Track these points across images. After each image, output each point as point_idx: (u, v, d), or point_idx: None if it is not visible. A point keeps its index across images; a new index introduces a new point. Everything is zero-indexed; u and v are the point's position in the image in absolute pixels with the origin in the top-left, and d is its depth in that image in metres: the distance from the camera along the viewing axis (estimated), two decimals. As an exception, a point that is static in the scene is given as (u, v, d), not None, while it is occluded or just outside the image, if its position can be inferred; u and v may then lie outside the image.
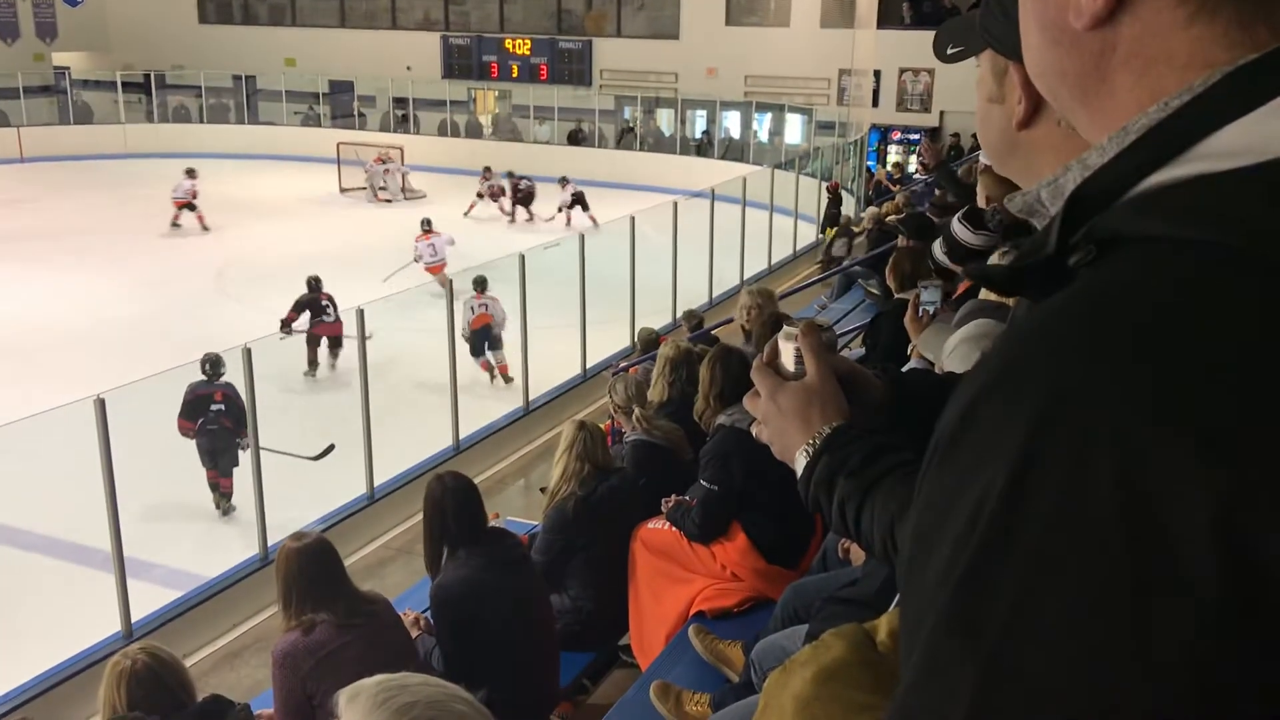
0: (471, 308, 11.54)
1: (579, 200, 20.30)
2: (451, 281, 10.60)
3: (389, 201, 22.60)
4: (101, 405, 6.37)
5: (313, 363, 11.89)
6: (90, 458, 6.45)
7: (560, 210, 20.46)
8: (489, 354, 11.77)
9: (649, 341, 9.27)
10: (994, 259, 3.59)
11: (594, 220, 18.94)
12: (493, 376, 11.72)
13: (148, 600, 6.85)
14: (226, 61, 30.02)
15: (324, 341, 11.94)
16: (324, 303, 12.14)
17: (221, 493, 8.82)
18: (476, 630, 3.85)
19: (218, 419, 8.71)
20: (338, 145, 24.11)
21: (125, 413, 6.57)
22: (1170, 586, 0.42)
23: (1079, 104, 0.61)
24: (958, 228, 5.58)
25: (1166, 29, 0.54)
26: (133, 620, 6.59)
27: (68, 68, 30.82)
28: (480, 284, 11.63)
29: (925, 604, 0.49)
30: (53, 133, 27.94)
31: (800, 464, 1.23)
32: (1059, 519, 0.45)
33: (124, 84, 29.65)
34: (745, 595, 4.18)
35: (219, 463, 8.79)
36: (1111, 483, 0.44)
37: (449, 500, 3.93)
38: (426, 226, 15.68)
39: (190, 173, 19.83)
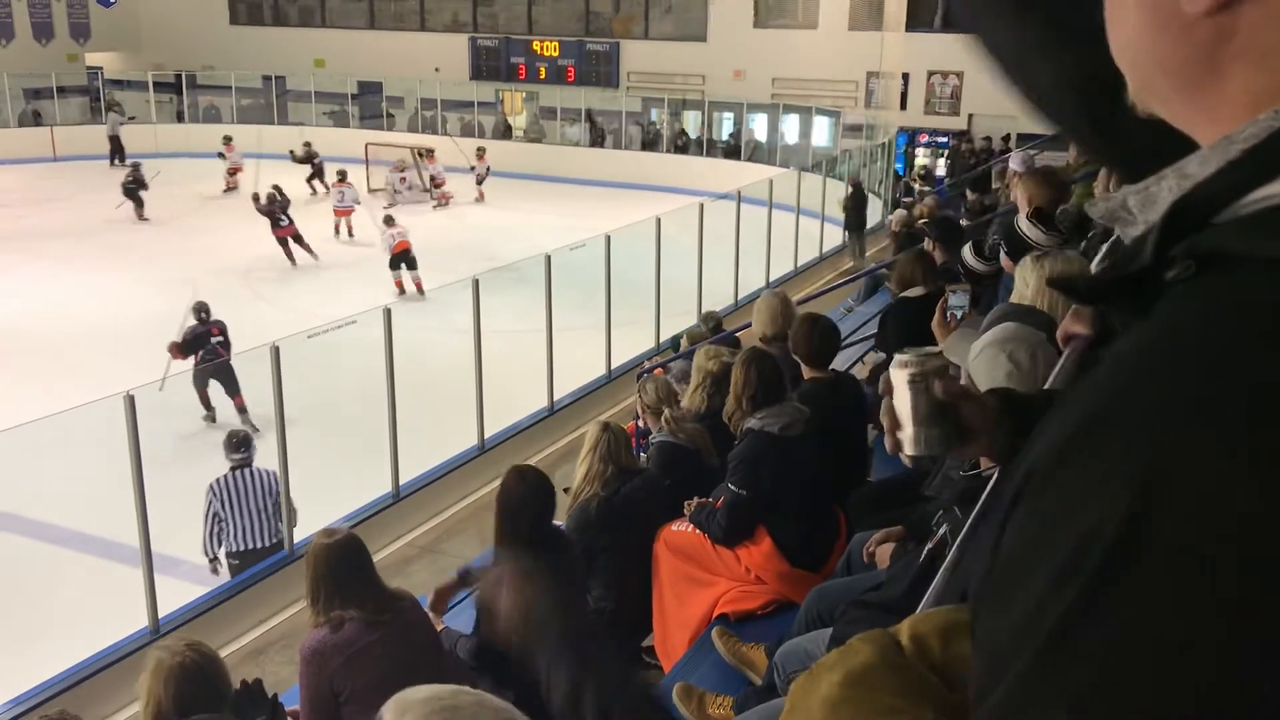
0: (392, 236, 15.13)
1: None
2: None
3: (391, 204, 22.59)
4: (131, 401, 6.42)
5: (207, 404, 10.55)
6: (119, 453, 6.51)
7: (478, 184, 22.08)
8: (407, 273, 14.94)
9: (716, 327, 9.33)
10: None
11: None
12: (403, 291, 14.92)
13: (175, 595, 6.90)
14: (257, 62, 30.23)
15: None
16: (214, 337, 10.70)
17: (241, 409, 10.08)
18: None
19: (215, 349, 10.31)
20: (366, 146, 24.21)
21: (155, 409, 6.63)
22: None
23: (1179, 96, 0.56)
24: (967, 255, 5.56)
25: None
26: (160, 615, 6.64)
27: (100, 68, 31.16)
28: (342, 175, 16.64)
29: (1010, 640, 0.47)
30: (84, 132, 28.22)
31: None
32: (1162, 586, 0.43)
33: (155, 84, 29.93)
34: (769, 598, 4.17)
35: (230, 385, 10.27)
36: (1215, 555, 0.42)
37: (521, 498, 3.96)
38: (340, 176, 19.28)
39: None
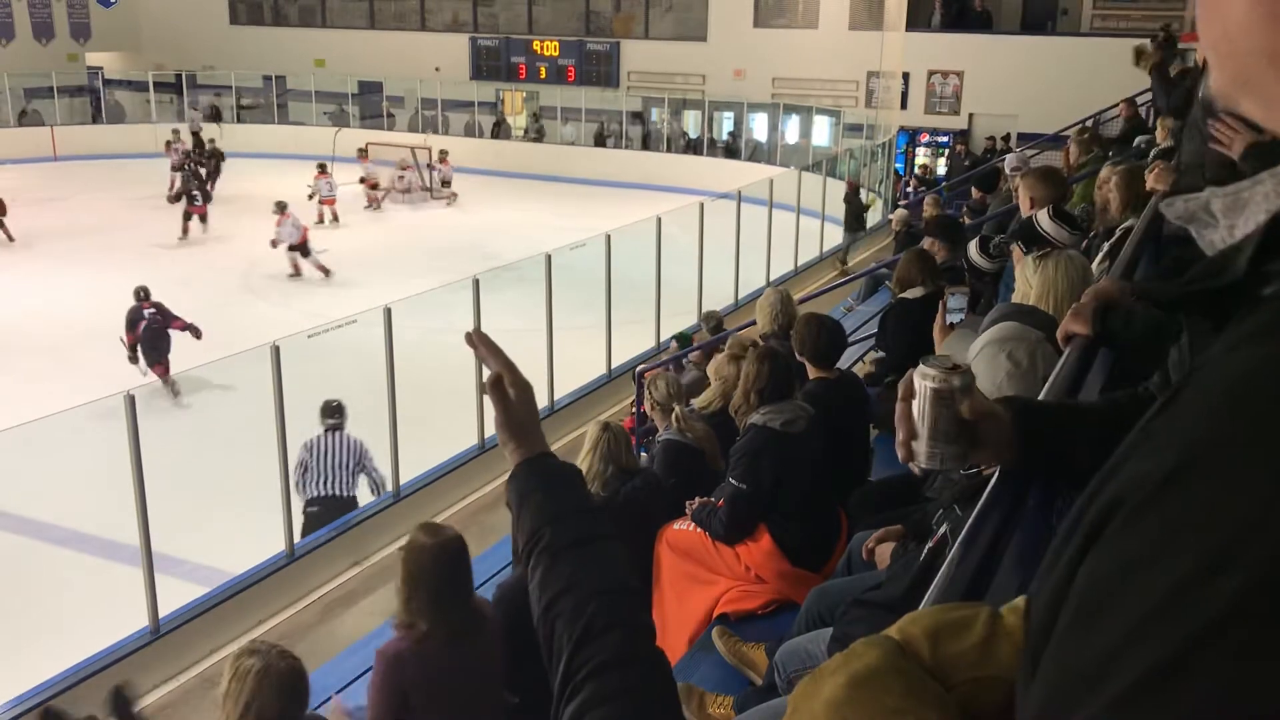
0: (294, 227, 16.25)
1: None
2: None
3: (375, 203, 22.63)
4: (131, 401, 6.42)
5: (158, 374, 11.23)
6: (120, 454, 6.50)
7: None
8: (303, 260, 16.18)
9: (716, 326, 9.33)
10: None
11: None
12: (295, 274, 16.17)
13: (175, 595, 6.89)
14: (257, 62, 30.23)
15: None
16: (148, 309, 11.84)
17: (164, 379, 10.97)
18: (532, 633, 3.85)
19: (153, 319, 11.77)
20: (366, 145, 24.21)
21: (154, 409, 6.62)
22: None
23: None
24: (973, 252, 5.56)
25: None
26: (160, 615, 6.63)
27: (100, 68, 31.15)
28: (282, 207, 16.34)
29: (1097, 667, 0.44)
30: (85, 132, 28.23)
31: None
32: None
33: (156, 84, 29.93)
34: (769, 598, 4.17)
35: (158, 354, 11.64)
36: None
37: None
38: (321, 168, 20.38)
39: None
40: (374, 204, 22.21)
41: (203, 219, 19.59)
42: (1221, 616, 0.40)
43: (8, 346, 13.00)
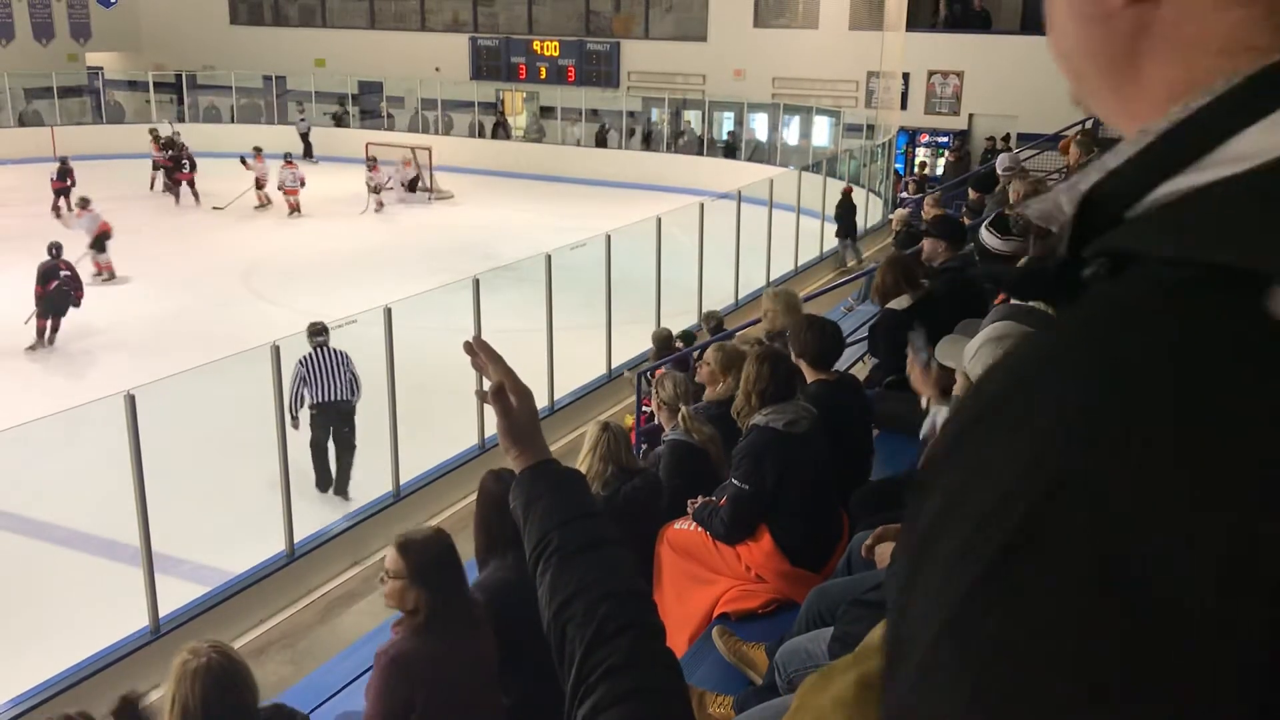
0: (93, 218, 16.28)
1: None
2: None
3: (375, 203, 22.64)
4: (131, 401, 6.42)
5: (41, 334, 13.11)
6: (120, 453, 6.51)
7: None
8: (99, 255, 16.13)
9: (663, 341, 9.30)
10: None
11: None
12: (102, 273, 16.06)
13: (175, 595, 6.90)
14: (257, 62, 30.23)
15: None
16: (63, 271, 13.37)
17: (47, 337, 13.08)
18: (518, 633, 3.86)
19: (66, 280, 13.11)
20: (366, 145, 24.23)
21: (155, 409, 6.63)
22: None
23: (1109, 91, 0.56)
24: (985, 235, 5.57)
25: (1203, 9, 0.49)
26: (160, 615, 6.63)
27: (100, 68, 31.16)
28: (84, 203, 16.62)
29: (916, 623, 0.46)
30: (85, 132, 28.23)
31: None
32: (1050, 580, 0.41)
33: (156, 84, 29.94)
34: (769, 597, 4.17)
35: (57, 313, 13.15)
36: (1097, 547, 0.41)
37: (503, 499, 3.93)
38: (287, 158, 21.36)
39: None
40: (378, 207, 22.19)
41: (191, 185, 22.10)
42: (989, 571, 0.43)
43: (8, 346, 12.99)
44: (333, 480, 9.08)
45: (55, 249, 13.66)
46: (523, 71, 28.90)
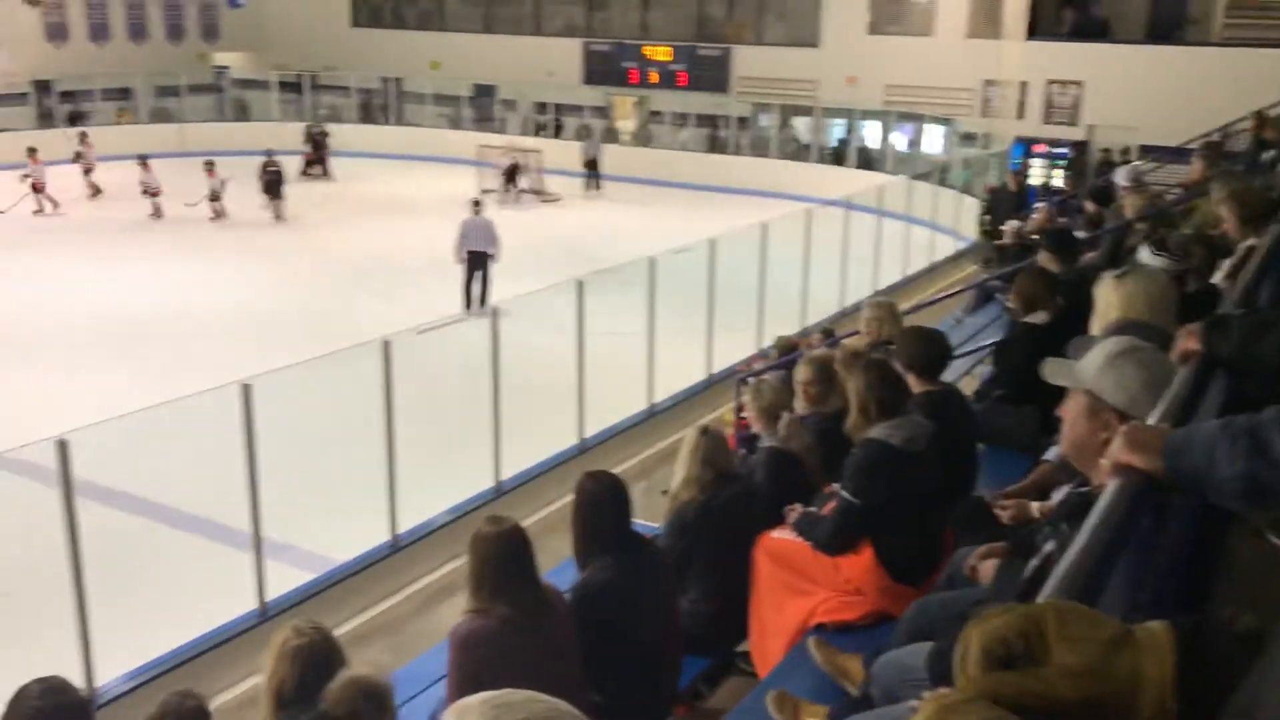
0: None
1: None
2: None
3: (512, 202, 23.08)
4: (247, 390, 6.62)
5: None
6: (234, 440, 6.71)
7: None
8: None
9: (787, 348, 9.21)
10: None
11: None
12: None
13: (282, 581, 7.08)
14: (376, 64, 30.97)
15: None
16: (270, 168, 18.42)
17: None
18: (613, 633, 3.89)
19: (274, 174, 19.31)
20: (478, 148, 24.65)
21: (268, 399, 6.82)
22: None
23: None
24: (1144, 253, 5.40)
25: None
26: (267, 599, 6.82)
27: (228, 67, 32.29)
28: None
29: None
30: (211, 128, 29.28)
31: None
32: None
33: (279, 84, 30.88)
34: (867, 610, 4.12)
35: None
36: None
37: (599, 500, 3.99)
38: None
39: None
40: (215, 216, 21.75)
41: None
42: None
43: (131, 334, 13.53)
44: (471, 303, 14.85)
45: (269, 151, 20.89)
46: (634, 76, 29.05)
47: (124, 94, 29.50)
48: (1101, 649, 0.98)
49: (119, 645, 6.18)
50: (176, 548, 8.41)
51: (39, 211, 21.29)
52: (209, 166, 20.82)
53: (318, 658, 3.12)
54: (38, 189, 21.14)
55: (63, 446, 5.72)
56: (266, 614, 6.73)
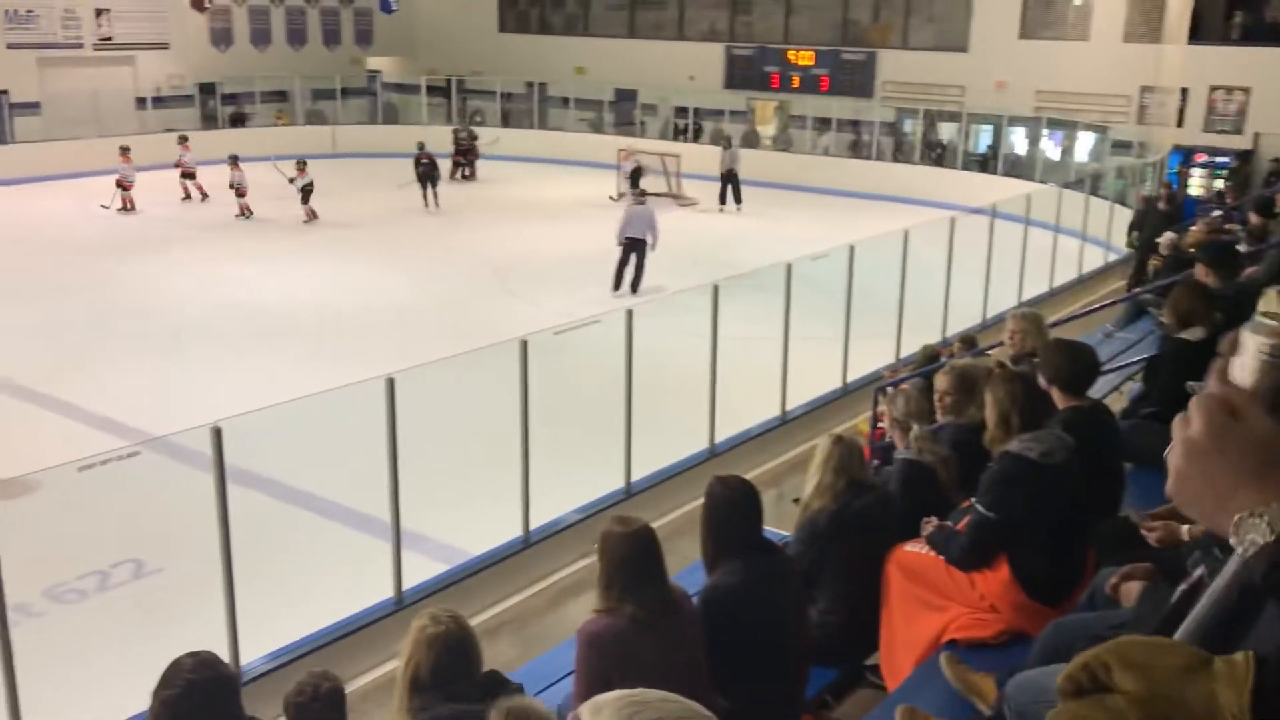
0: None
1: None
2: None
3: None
4: (391, 385, 6.82)
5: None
6: (376, 433, 6.92)
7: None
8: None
9: (930, 357, 9.03)
10: None
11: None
12: None
13: (417, 571, 7.27)
14: (521, 68, 31.56)
15: None
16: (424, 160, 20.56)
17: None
18: (740, 638, 3.89)
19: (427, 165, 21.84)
20: (618, 151, 24.87)
21: (410, 393, 7.01)
22: None
23: None
24: None
25: None
26: (404, 588, 7.01)
27: (379, 71, 33.38)
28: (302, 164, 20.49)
29: None
30: (362, 131, 30.30)
31: (1249, 535, 1.00)
32: None
33: (428, 87, 31.75)
34: (1001, 628, 4.01)
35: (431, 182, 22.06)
36: None
37: (730, 505, 3.99)
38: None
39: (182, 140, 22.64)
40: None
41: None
42: None
43: (282, 328, 14.09)
44: (621, 284, 15.73)
45: (421, 145, 22.55)
46: (775, 81, 28.91)
47: (281, 97, 30.76)
48: (1174, 676, 0.94)
49: (260, 626, 6.42)
50: (317, 534, 8.71)
51: (186, 198, 22.55)
52: (300, 165, 21.11)
53: (454, 645, 3.20)
54: (123, 185, 21.55)
55: (217, 433, 5.98)
56: (402, 603, 6.91)
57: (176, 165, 22.35)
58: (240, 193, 21.14)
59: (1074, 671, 1.06)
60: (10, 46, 26.12)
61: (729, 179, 23.26)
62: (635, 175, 23.27)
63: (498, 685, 3.29)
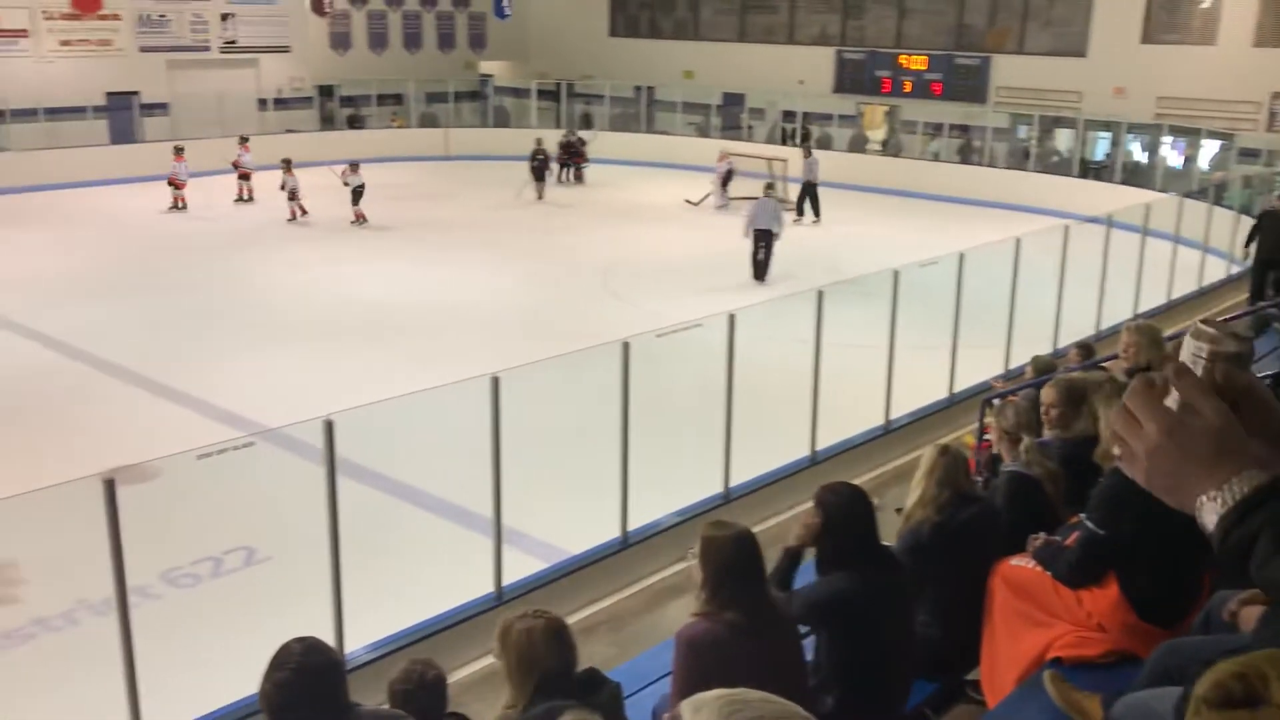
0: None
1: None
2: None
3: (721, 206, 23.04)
4: (495, 383, 6.91)
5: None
6: (479, 430, 7.02)
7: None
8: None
9: (1044, 368, 8.82)
10: None
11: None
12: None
13: (517, 567, 7.35)
14: (630, 72, 31.73)
15: None
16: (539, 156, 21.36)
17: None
18: (845, 644, 3.86)
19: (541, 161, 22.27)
20: (719, 154, 24.81)
21: (513, 392, 7.10)
22: None
23: None
24: None
25: None
26: (504, 583, 7.10)
27: (491, 75, 33.91)
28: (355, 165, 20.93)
29: None
30: (473, 134, 30.81)
31: (1210, 513, 1.16)
32: None
33: (539, 91, 32.13)
34: (1109, 648, 3.89)
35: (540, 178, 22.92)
36: None
37: (843, 511, 3.97)
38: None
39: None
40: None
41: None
42: None
43: (391, 324, 14.39)
44: (757, 271, 16.60)
45: (539, 141, 23.93)
46: (887, 85, 28.55)
47: (397, 99, 31.44)
48: None
49: (362, 616, 6.57)
50: (420, 528, 8.87)
51: (239, 199, 22.83)
52: (354, 167, 20.98)
53: (554, 640, 3.22)
54: (175, 184, 22.01)
55: (329, 426, 6.13)
56: (502, 598, 7.00)
57: (234, 165, 22.84)
58: (292, 195, 21.14)
59: (1225, 679, 1.05)
60: (142, 50, 27.21)
61: (808, 190, 22.40)
62: (726, 178, 23.28)
63: (596, 682, 3.32)
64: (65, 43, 26.13)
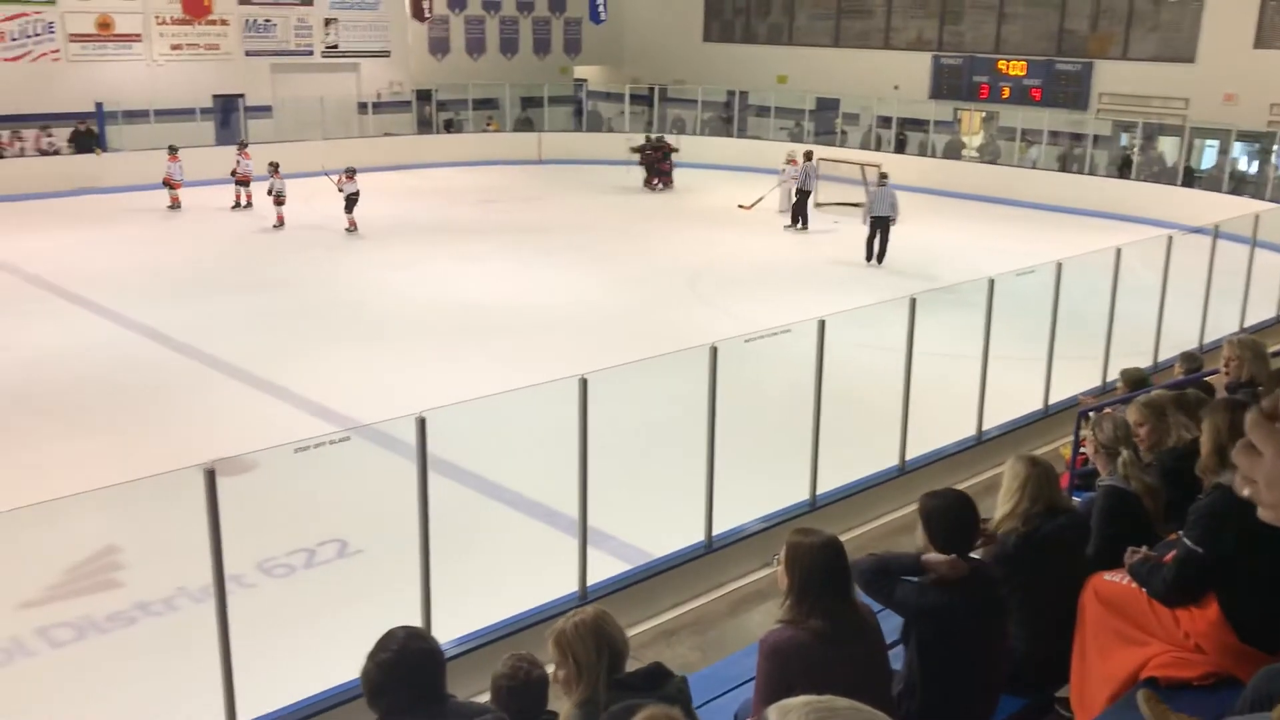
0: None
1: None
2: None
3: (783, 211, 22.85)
4: (584, 384, 6.96)
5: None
6: (567, 431, 7.07)
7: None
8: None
9: (1135, 382, 8.58)
10: None
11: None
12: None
13: (601, 568, 7.39)
14: (723, 77, 31.70)
15: None
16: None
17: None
18: (939, 654, 3.81)
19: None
20: (787, 156, 24.64)
21: (601, 393, 7.14)
22: None
23: None
24: None
25: None
26: (588, 584, 7.13)
27: (585, 80, 34.17)
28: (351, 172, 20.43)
29: None
30: (567, 138, 31.07)
31: None
32: None
33: (631, 96, 32.28)
34: (1207, 669, 3.77)
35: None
36: None
37: (943, 522, 3.94)
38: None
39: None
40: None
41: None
42: None
43: (481, 326, 14.58)
44: (872, 257, 18.00)
45: (648, 137, 25.49)
46: (984, 91, 28.10)
47: (492, 104, 31.87)
48: None
49: (448, 611, 6.66)
50: (507, 526, 8.97)
51: (236, 206, 22.72)
52: (349, 174, 20.56)
53: (596, 630, 3.24)
54: (170, 184, 22.33)
55: (421, 423, 6.23)
56: (586, 598, 7.03)
57: (232, 173, 22.81)
58: (279, 200, 20.82)
59: None
60: (248, 54, 28.02)
61: (879, 227, 18.57)
62: (803, 189, 23.11)
63: (661, 677, 3.33)
64: (176, 47, 27.04)
